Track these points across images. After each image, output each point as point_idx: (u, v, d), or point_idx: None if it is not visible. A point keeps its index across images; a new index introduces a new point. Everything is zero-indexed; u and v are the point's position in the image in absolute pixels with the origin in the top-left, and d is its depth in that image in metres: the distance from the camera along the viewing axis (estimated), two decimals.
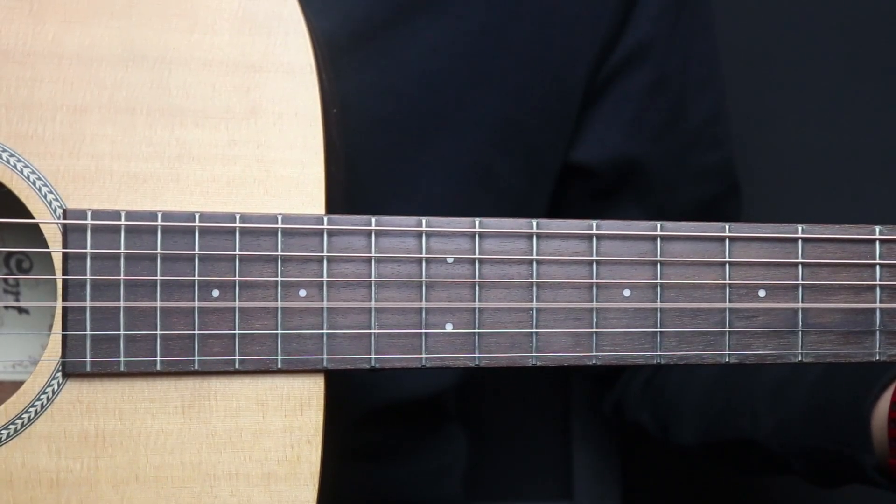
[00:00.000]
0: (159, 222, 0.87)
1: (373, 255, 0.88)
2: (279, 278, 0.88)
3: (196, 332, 0.87)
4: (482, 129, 1.14)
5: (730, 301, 0.90)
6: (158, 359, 0.87)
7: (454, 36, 1.12)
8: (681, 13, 1.21)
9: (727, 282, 0.90)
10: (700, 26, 1.23)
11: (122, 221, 0.87)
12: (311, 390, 0.89)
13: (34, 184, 0.87)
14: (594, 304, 0.89)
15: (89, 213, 0.86)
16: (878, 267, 0.91)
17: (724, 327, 0.90)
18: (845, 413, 1.03)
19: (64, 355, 0.86)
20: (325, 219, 0.88)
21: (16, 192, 0.87)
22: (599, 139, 1.20)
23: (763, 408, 1.14)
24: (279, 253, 0.88)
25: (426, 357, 0.89)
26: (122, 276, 0.86)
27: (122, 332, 0.86)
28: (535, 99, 1.16)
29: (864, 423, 1.03)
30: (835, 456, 1.06)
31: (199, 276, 0.87)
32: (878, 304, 0.91)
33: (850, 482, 1.10)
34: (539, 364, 0.89)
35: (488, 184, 1.16)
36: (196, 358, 0.87)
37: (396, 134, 1.12)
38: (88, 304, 0.86)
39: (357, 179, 1.01)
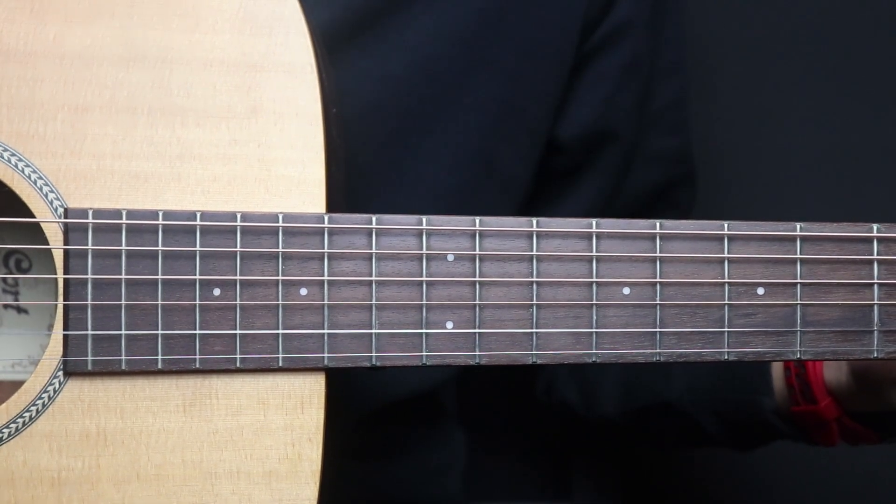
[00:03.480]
0: (160, 221, 0.87)
1: (373, 251, 0.89)
2: (280, 277, 0.88)
3: (197, 330, 0.87)
4: (482, 113, 1.15)
5: (729, 299, 0.91)
6: (160, 357, 0.87)
7: (452, 20, 1.13)
8: None
9: (726, 280, 0.91)
10: (672, 11, 1.25)
11: (124, 220, 0.87)
12: (312, 388, 0.89)
13: (35, 183, 0.87)
14: (594, 302, 0.90)
15: (90, 213, 0.87)
16: (875, 265, 0.92)
17: (724, 325, 0.91)
18: (747, 364, 1.06)
19: (65, 354, 0.86)
20: (326, 217, 0.88)
21: (17, 191, 0.87)
22: (571, 116, 1.21)
23: (675, 369, 1.18)
24: (280, 249, 0.88)
25: (426, 355, 0.89)
26: (123, 276, 0.87)
27: (123, 331, 0.87)
28: (534, 82, 1.17)
29: (765, 370, 1.10)
30: (738, 405, 1.12)
31: (200, 274, 0.87)
32: (875, 302, 0.92)
33: (757, 437, 1.16)
34: (539, 362, 0.89)
35: (490, 169, 1.16)
36: (197, 356, 0.87)
37: (396, 120, 1.13)
38: (90, 302, 0.86)
39: (358, 167, 1.02)
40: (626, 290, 0.90)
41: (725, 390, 1.15)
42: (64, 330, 0.86)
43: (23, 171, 0.87)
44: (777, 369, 1.10)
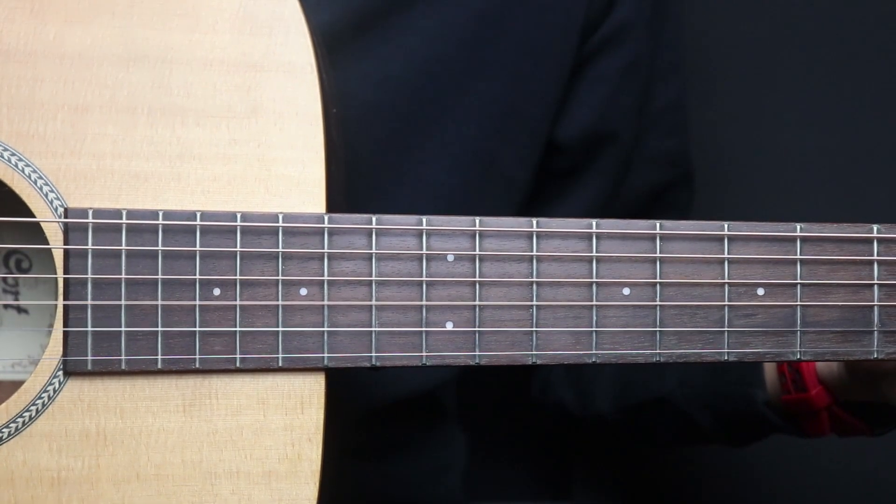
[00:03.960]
0: (160, 221, 0.87)
1: (373, 251, 0.89)
2: (280, 277, 0.88)
3: (197, 330, 0.87)
4: (483, 115, 1.15)
5: (729, 299, 0.91)
6: (159, 357, 0.87)
7: (452, 22, 1.13)
8: None
9: (726, 280, 0.91)
10: (671, 13, 1.25)
11: (124, 220, 0.87)
12: (312, 388, 0.89)
13: (35, 183, 0.87)
14: (594, 303, 0.90)
15: (90, 212, 0.87)
16: (875, 265, 0.92)
17: (723, 326, 0.91)
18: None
19: (65, 354, 0.86)
20: (326, 217, 0.88)
21: (17, 191, 0.87)
22: (571, 117, 1.21)
23: (669, 365, 1.17)
24: (280, 249, 0.88)
25: (426, 355, 0.89)
26: (123, 275, 0.87)
27: (123, 330, 0.87)
28: (534, 83, 1.17)
29: (757, 362, 1.09)
30: (731, 398, 1.13)
31: (200, 274, 0.87)
32: (875, 303, 0.92)
33: (750, 431, 1.16)
34: (539, 362, 0.89)
35: (490, 170, 1.17)
36: (197, 356, 0.87)
37: (397, 121, 1.13)
38: (90, 302, 0.86)
39: (358, 168, 1.02)
40: (626, 291, 0.90)
41: (717, 384, 1.15)
42: (64, 329, 0.86)
43: (23, 171, 0.87)
44: None
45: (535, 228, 0.90)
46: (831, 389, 1.06)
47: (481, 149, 1.16)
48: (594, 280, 0.90)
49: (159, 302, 0.87)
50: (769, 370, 1.11)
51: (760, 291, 0.91)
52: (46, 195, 0.87)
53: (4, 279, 1.00)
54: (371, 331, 0.88)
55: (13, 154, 0.87)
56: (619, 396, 1.24)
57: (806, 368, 1.07)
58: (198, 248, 0.87)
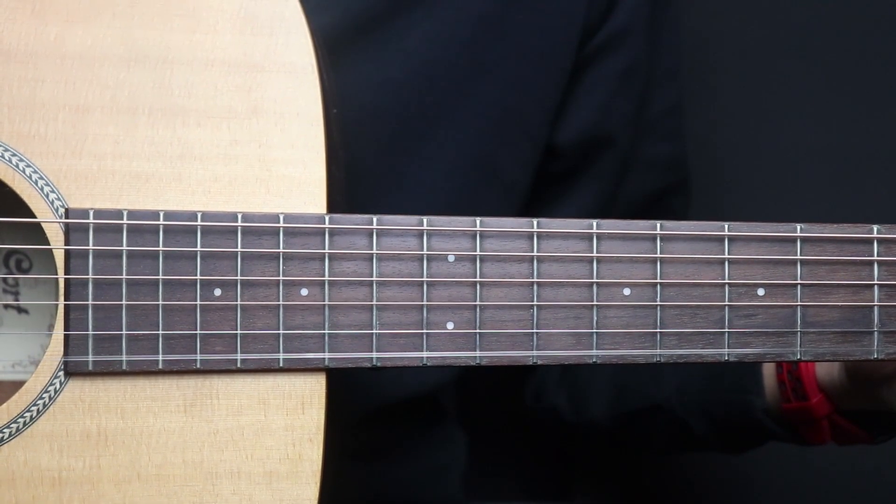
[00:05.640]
0: (161, 221, 0.87)
1: (374, 252, 0.89)
2: (281, 277, 0.88)
3: (198, 331, 0.87)
4: (482, 119, 1.15)
5: (729, 300, 0.91)
6: (160, 358, 0.87)
7: (452, 26, 1.13)
8: (655, 2, 1.22)
9: (726, 281, 0.91)
10: (669, 18, 1.25)
11: (125, 221, 0.87)
12: (313, 389, 0.89)
13: (36, 183, 0.87)
14: (594, 303, 0.90)
15: (91, 213, 0.87)
16: (876, 266, 0.92)
17: (724, 326, 0.91)
18: (737, 363, 1.07)
19: (66, 354, 0.86)
20: (327, 218, 0.89)
21: (18, 191, 0.87)
22: (569, 121, 1.21)
23: (666, 371, 1.18)
24: (281, 250, 0.88)
25: (427, 356, 0.89)
26: (123, 276, 0.87)
27: (124, 331, 0.87)
28: (534, 87, 1.17)
29: (755, 370, 1.10)
30: (729, 406, 1.13)
31: (200, 275, 0.87)
32: (875, 303, 0.92)
33: (747, 438, 1.16)
34: (540, 362, 0.90)
35: (490, 174, 1.17)
36: (198, 357, 0.87)
37: (396, 125, 1.13)
38: (91, 302, 0.86)
39: (358, 171, 1.02)
40: (627, 291, 0.90)
41: (715, 391, 1.15)
42: (65, 330, 0.86)
43: (24, 171, 0.87)
44: (768, 367, 1.10)
45: (535, 229, 0.90)
46: (832, 397, 1.06)
47: (480, 152, 1.16)
48: (595, 280, 0.90)
49: (160, 302, 0.87)
50: (768, 378, 1.11)
51: (761, 292, 0.91)
52: (47, 195, 0.87)
53: (5, 279, 1.00)
54: (372, 332, 0.89)
55: (14, 154, 0.87)
56: (613, 403, 1.24)
57: (806, 377, 1.06)
58: (199, 248, 0.87)
